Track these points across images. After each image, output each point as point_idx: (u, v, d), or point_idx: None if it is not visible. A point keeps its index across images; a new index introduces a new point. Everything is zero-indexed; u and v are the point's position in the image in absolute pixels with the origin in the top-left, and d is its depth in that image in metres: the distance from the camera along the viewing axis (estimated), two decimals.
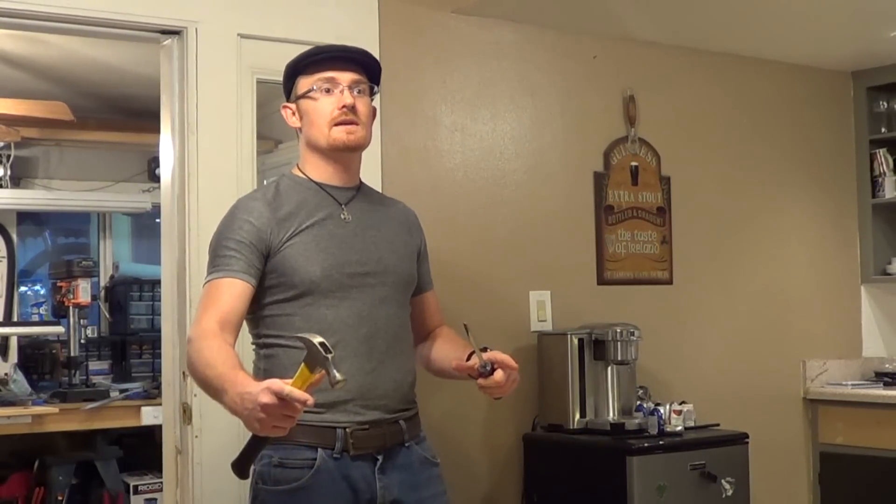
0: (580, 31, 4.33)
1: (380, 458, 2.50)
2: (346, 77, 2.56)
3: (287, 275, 2.48)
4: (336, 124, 2.54)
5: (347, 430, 2.47)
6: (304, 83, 2.58)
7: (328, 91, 2.55)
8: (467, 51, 4.06)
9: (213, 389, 2.28)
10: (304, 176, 2.60)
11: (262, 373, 2.51)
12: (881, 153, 5.09)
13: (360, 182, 2.68)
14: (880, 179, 5.09)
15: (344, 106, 2.53)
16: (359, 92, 2.57)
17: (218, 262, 2.48)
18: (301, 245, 2.49)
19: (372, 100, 2.64)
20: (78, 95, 5.61)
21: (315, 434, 2.46)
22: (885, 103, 5.14)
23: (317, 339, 2.11)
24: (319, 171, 2.60)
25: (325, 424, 2.46)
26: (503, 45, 4.16)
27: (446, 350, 2.70)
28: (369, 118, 2.61)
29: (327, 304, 2.48)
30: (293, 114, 2.62)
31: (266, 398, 2.06)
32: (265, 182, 3.08)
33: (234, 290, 2.44)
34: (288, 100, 2.64)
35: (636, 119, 4.46)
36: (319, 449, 2.46)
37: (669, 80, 4.61)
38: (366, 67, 2.62)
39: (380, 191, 3.17)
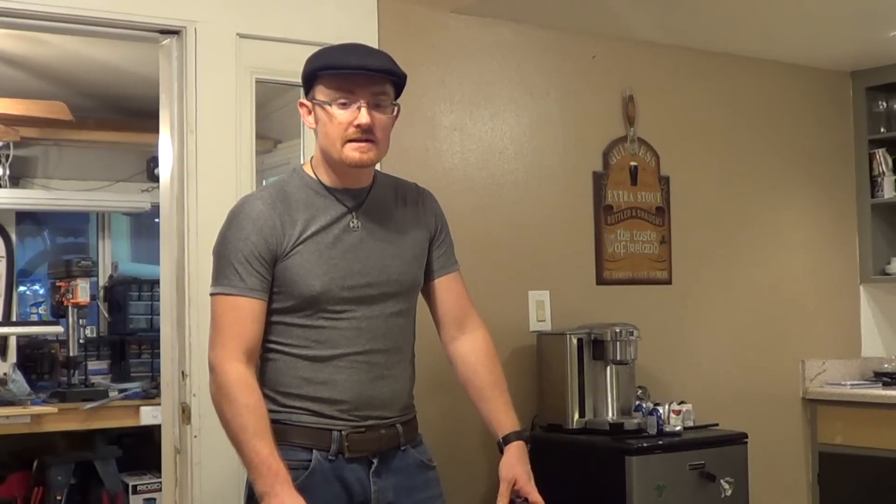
0: (580, 31, 4.33)
1: (375, 460, 2.49)
2: (365, 93, 2.42)
3: (287, 286, 2.45)
4: (350, 140, 2.43)
5: (343, 432, 2.46)
6: (321, 92, 2.46)
7: (344, 105, 2.43)
8: (467, 51, 4.06)
9: (243, 454, 2.36)
10: (314, 177, 2.52)
11: (260, 375, 2.51)
12: (880, 153, 5.09)
13: (375, 175, 2.58)
14: (879, 179, 5.10)
15: (359, 125, 2.42)
16: (377, 106, 2.45)
17: (229, 273, 2.43)
18: (304, 255, 2.44)
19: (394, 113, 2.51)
20: (77, 95, 5.61)
21: (310, 435, 2.45)
22: (885, 103, 5.14)
23: None
24: (330, 176, 2.51)
25: (320, 426, 2.46)
26: (503, 45, 4.15)
27: (490, 413, 2.63)
28: (386, 133, 2.47)
29: (326, 317, 2.46)
30: (309, 113, 2.51)
31: None
32: (273, 179, 2.97)
33: (255, 313, 2.43)
34: (306, 96, 2.52)
35: (635, 119, 4.46)
36: (314, 450, 2.45)
37: (669, 80, 4.60)
38: (390, 80, 2.48)
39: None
